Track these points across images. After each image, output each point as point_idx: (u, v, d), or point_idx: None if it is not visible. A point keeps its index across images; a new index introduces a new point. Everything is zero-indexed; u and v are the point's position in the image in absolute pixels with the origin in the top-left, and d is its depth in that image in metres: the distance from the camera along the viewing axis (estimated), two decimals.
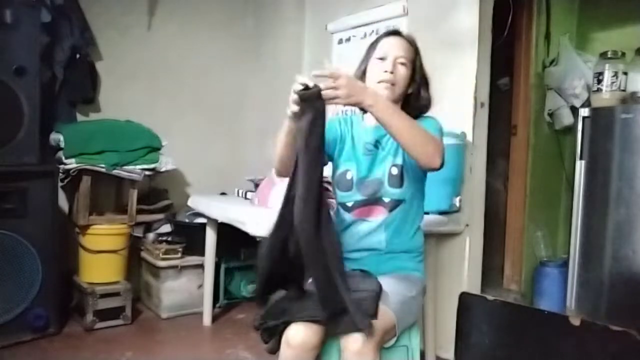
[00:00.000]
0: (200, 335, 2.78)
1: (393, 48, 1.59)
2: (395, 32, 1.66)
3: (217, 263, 2.94)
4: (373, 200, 1.60)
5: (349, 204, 1.63)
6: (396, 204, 1.59)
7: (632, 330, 1.49)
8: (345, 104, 1.39)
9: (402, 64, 1.58)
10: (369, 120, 1.66)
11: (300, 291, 1.42)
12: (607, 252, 2.34)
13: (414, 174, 1.60)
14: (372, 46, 1.64)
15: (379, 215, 1.59)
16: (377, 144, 1.63)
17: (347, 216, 1.64)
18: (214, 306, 2.95)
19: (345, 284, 1.34)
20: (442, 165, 1.44)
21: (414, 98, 1.62)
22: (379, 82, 1.57)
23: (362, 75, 1.64)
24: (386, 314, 1.40)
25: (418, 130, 1.41)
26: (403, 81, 1.59)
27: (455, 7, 2.45)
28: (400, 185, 1.58)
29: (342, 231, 1.65)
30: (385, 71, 1.56)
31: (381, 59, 1.59)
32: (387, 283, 1.51)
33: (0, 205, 2.39)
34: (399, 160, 1.59)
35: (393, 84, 1.57)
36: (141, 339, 2.66)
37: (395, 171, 1.58)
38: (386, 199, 1.59)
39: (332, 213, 1.76)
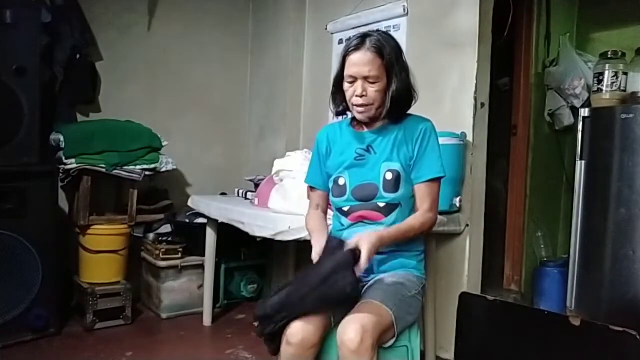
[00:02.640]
0: (200, 335, 2.78)
1: (359, 68, 1.52)
2: (359, 46, 1.54)
3: (217, 263, 2.94)
4: (368, 205, 1.60)
5: (345, 209, 1.63)
6: (392, 207, 1.59)
7: (632, 330, 1.49)
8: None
9: (372, 82, 1.53)
10: (360, 125, 1.67)
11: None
12: (607, 252, 2.34)
13: (410, 179, 1.60)
14: (343, 59, 1.58)
15: (376, 219, 1.59)
16: (368, 148, 1.63)
17: (345, 220, 1.65)
18: (214, 306, 2.95)
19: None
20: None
21: (397, 98, 1.57)
22: (354, 106, 1.58)
23: (339, 88, 1.62)
24: (384, 313, 1.40)
25: (417, 230, 1.57)
26: (378, 96, 1.55)
27: (455, 7, 2.45)
28: (396, 190, 1.58)
29: (341, 233, 1.65)
30: (357, 95, 1.54)
31: (350, 82, 1.56)
32: (386, 282, 1.52)
33: (0, 205, 2.39)
34: (395, 166, 1.58)
35: (369, 104, 1.56)
36: (141, 339, 2.66)
37: (389, 176, 1.58)
38: (381, 203, 1.58)
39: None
